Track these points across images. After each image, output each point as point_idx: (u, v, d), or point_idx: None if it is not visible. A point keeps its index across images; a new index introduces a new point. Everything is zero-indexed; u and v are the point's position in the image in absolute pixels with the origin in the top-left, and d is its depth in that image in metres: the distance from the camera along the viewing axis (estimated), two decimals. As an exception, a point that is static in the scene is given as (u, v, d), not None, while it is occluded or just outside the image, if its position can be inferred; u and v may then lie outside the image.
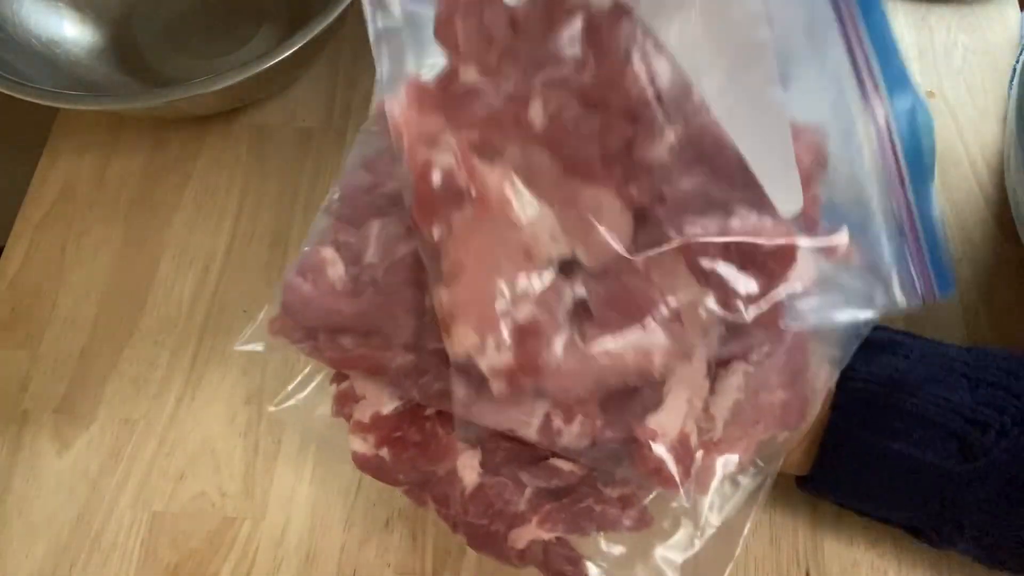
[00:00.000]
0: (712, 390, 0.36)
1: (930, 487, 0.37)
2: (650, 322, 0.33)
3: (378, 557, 0.44)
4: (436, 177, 0.33)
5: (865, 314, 0.34)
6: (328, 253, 0.38)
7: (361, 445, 0.38)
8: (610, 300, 0.33)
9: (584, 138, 0.32)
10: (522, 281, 0.33)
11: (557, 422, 0.35)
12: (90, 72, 0.60)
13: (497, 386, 0.34)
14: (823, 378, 0.36)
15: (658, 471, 0.34)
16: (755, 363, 0.37)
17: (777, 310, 0.35)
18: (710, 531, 0.37)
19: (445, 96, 0.34)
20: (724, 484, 0.37)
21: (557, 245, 0.33)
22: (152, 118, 0.59)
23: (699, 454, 0.36)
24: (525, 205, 0.33)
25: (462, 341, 0.33)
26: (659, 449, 0.34)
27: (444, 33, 0.34)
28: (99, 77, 0.60)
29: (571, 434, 0.35)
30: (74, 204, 0.56)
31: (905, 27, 0.61)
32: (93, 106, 0.53)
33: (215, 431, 0.47)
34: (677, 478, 0.34)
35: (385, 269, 0.37)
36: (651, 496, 0.37)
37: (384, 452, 0.38)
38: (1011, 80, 0.55)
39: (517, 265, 0.33)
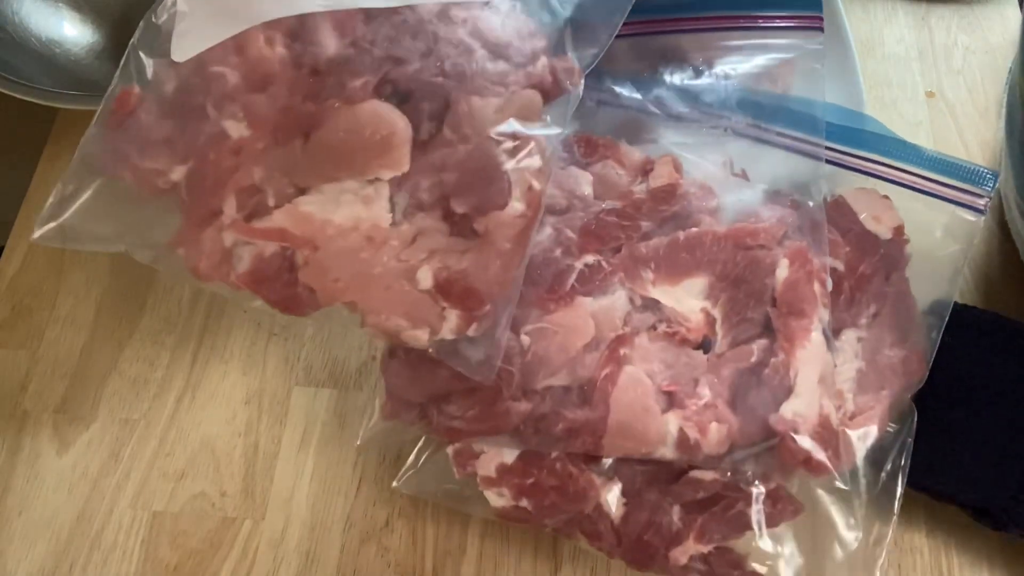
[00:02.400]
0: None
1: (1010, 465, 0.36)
2: None
3: (378, 557, 0.44)
4: None
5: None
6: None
7: (498, 500, 0.37)
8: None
9: None
10: None
11: (693, 434, 0.34)
12: (90, 72, 0.60)
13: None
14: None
15: (807, 461, 0.33)
16: (865, 326, 0.37)
17: (878, 261, 0.36)
18: (862, 501, 0.36)
19: None
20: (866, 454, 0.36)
21: None
22: (152, 118, 0.59)
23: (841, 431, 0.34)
24: None
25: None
26: (802, 438, 0.33)
27: None
28: (99, 77, 0.59)
29: (709, 443, 0.34)
30: (74, 204, 0.56)
31: (905, 27, 0.61)
32: (93, 106, 0.53)
33: (215, 431, 0.47)
34: (828, 463, 0.33)
35: None
36: (797, 484, 0.36)
37: (525, 503, 0.36)
38: (1006, 83, 0.56)
39: None
